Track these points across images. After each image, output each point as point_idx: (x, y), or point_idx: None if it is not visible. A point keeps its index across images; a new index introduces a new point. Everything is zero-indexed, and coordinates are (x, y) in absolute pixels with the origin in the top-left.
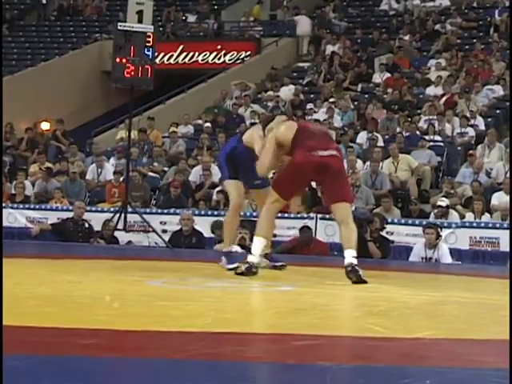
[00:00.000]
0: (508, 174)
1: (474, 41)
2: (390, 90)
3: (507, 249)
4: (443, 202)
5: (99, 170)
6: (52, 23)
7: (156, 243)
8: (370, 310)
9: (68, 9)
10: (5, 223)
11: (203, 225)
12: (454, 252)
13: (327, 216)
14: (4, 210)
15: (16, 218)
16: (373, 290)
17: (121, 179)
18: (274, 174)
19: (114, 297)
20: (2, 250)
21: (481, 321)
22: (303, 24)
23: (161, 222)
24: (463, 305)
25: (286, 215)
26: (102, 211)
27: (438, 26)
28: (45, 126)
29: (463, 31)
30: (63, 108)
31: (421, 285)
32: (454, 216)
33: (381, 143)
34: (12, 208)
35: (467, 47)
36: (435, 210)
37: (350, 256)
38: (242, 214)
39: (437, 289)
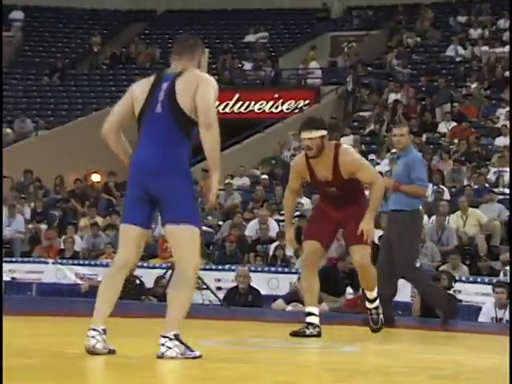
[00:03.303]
0: None
1: None
2: (456, 141)
3: None
4: None
5: (154, 225)
6: (104, 72)
7: (210, 301)
8: (434, 374)
9: (120, 57)
10: (54, 279)
11: (260, 282)
12: None
13: None
14: (53, 266)
15: (65, 274)
16: (439, 352)
17: None
18: None
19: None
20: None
21: None
22: None
23: (215, 279)
24: None
25: None
26: (154, 267)
27: (507, 73)
28: (95, 177)
29: None
30: (115, 159)
31: (491, 347)
32: None
33: (447, 196)
34: (61, 264)
35: None
36: (505, 268)
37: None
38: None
39: (508, 352)
